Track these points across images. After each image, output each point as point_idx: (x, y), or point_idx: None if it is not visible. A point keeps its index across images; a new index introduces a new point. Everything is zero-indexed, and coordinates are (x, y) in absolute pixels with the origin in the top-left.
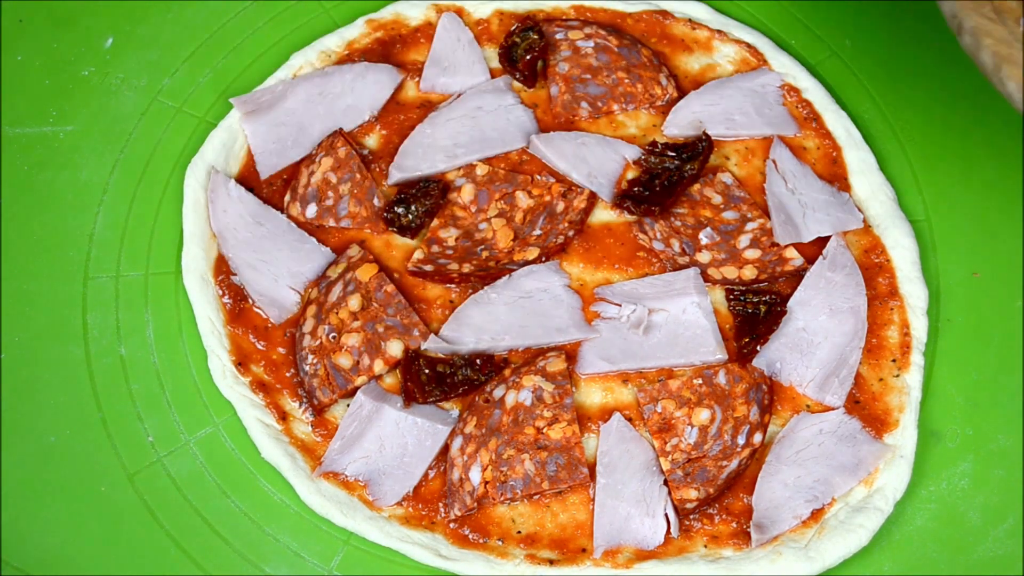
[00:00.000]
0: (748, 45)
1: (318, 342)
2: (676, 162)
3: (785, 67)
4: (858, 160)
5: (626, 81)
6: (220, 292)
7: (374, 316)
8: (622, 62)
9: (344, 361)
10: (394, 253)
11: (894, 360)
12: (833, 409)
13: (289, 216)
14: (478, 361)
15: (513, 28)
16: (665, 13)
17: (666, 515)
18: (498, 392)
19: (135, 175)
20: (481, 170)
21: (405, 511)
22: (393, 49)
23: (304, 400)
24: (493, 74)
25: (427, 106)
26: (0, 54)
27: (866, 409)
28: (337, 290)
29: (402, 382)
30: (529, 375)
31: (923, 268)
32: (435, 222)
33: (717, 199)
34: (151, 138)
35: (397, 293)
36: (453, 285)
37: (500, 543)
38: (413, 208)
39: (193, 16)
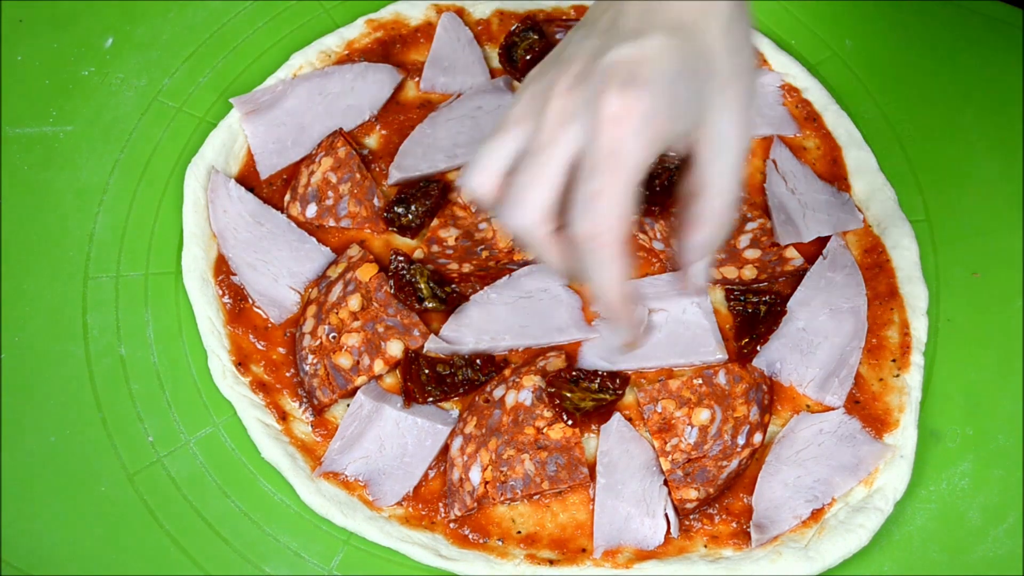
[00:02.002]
0: None
1: (318, 342)
2: (676, 162)
3: (785, 67)
4: (858, 160)
5: None
6: (220, 292)
7: (374, 316)
8: None
9: (344, 361)
10: None
11: (894, 360)
12: (833, 409)
13: (289, 216)
14: (478, 361)
15: (513, 28)
16: None
17: (666, 515)
18: (498, 392)
19: (135, 175)
20: None
21: (405, 511)
22: (393, 49)
23: (304, 400)
24: (493, 74)
25: (427, 106)
26: (0, 54)
27: (866, 409)
28: (337, 290)
29: (402, 382)
30: (529, 375)
31: (923, 268)
32: (435, 222)
33: None
34: (151, 138)
35: None
36: (453, 285)
37: (500, 543)
38: (413, 208)
39: (193, 16)
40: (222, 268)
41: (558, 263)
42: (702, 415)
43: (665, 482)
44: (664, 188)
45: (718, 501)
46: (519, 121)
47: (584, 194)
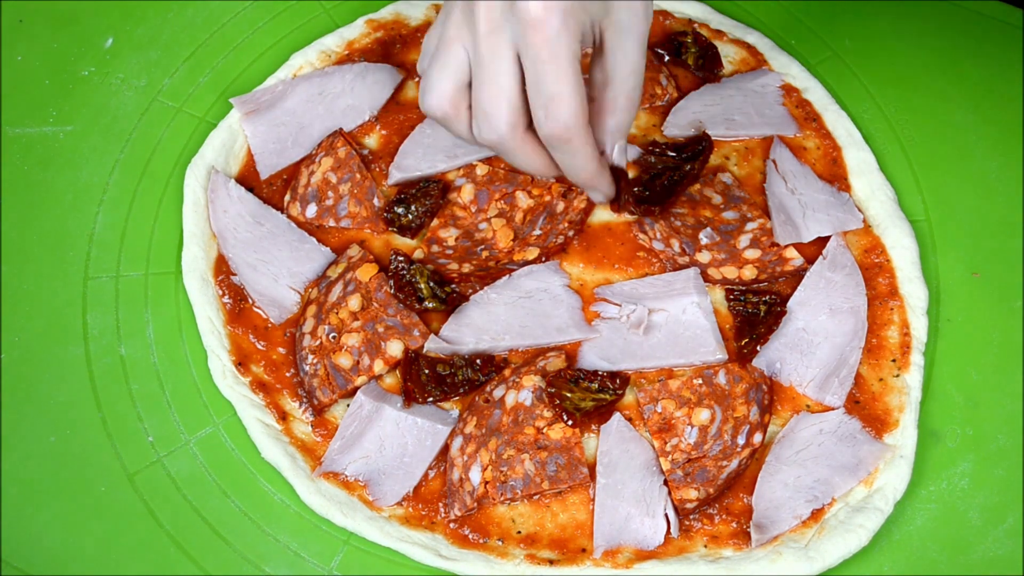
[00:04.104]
0: (748, 45)
1: (318, 342)
2: (676, 162)
3: (785, 67)
4: (858, 160)
5: None
6: (220, 292)
7: (374, 316)
8: None
9: (344, 361)
10: None
11: (894, 360)
12: (833, 409)
13: (289, 216)
14: (478, 361)
15: None
16: (665, 13)
17: (666, 515)
18: (498, 392)
19: (135, 175)
20: (481, 170)
21: (405, 511)
22: (393, 49)
23: (304, 400)
24: None
25: None
26: (0, 54)
27: (866, 409)
28: (337, 290)
29: (402, 382)
30: (529, 375)
31: (923, 268)
32: (435, 222)
33: (717, 199)
34: (151, 138)
35: None
36: (453, 285)
37: (500, 543)
38: (413, 208)
39: (193, 16)
40: (222, 268)
41: (535, 163)
42: (702, 415)
43: (665, 482)
44: (664, 188)
45: (718, 501)
46: (455, 38)
47: (541, 101)
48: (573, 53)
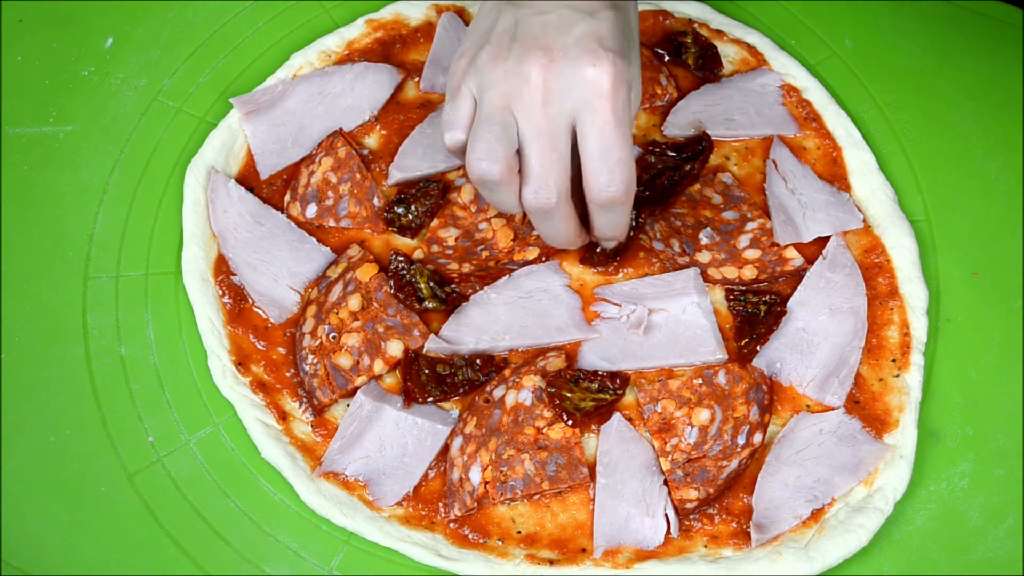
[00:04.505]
0: (748, 45)
1: (318, 342)
2: (676, 162)
3: (785, 67)
4: (858, 160)
5: None
6: (220, 292)
7: (374, 316)
8: None
9: (344, 361)
10: None
11: (894, 360)
12: (833, 409)
13: (289, 216)
14: (478, 361)
15: None
16: (665, 13)
17: (666, 515)
18: (498, 392)
19: (135, 175)
20: None
21: (405, 511)
22: (393, 49)
23: (304, 400)
24: None
25: (427, 106)
26: (0, 54)
27: (866, 409)
28: (337, 290)
29: (402, 382)
30: (529, 375)
31: (923, 268)
32: (435, 222)
33: (717, 199)
34: (151, 138)
35: None
36: (453, 285)
37: (500, 543)
38: (413, 208)
39: (193, 16)
40: (222, 268)
41: (571, 228)
42: (702, 415)
43: (665, 482)
44: (664, 188)
45: (718, 501)
46: (502, 106)
47: (607, 167)
48: (631, 120)
